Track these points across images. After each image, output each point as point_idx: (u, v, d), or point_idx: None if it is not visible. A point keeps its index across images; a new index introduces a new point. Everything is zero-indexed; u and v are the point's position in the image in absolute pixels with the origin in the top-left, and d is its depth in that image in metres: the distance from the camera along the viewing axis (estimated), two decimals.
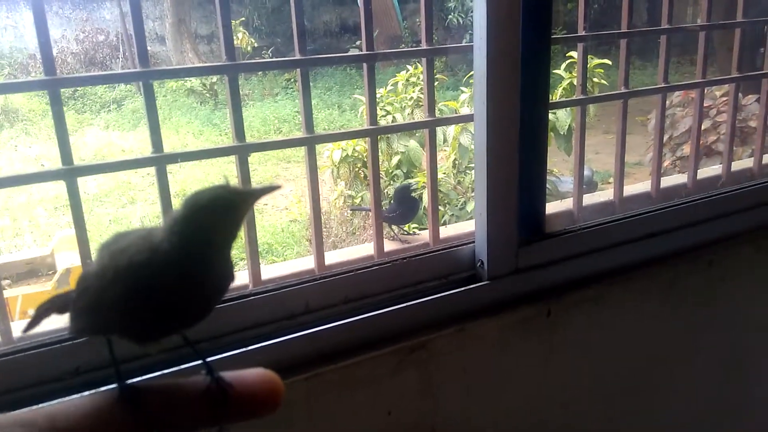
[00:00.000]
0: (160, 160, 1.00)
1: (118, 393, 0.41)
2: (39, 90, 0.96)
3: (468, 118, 1.16)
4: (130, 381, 0.45)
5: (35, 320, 0.55)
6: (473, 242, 1.16)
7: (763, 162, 1.70)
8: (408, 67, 4.55)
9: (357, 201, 4.35)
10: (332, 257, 1.26)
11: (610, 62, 3.68)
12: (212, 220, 0.42)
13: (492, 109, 1.07)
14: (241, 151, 1.07)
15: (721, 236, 1.36)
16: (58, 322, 0.99)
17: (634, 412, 1.35)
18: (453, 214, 4.06)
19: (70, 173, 0.95)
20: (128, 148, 7.07)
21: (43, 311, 0.54)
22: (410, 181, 3.92)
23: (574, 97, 1.37)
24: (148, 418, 0.40)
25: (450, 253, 1.16)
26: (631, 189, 1.54)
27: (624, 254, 1.26)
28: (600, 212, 1.44)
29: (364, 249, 1.35)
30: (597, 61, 3.73)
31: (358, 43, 8.68)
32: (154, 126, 1.00)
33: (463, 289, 1.11)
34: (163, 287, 0.42)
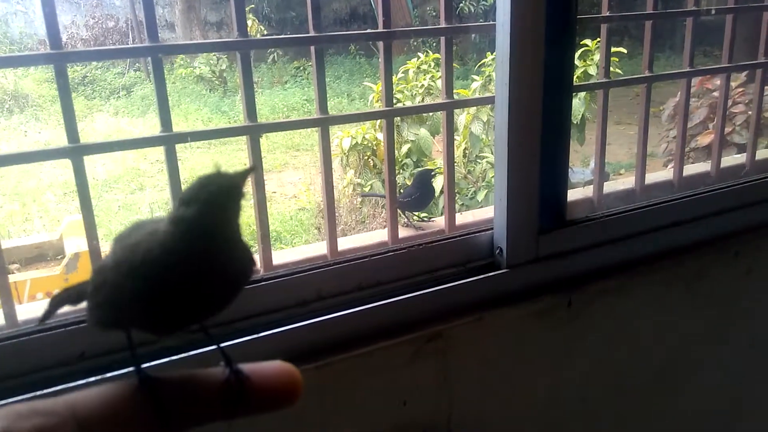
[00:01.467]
0: (170, 139, 0.97)
1: (137, 383, 0.41)
2: (44, 64, 0.92)
3: (488, 100, 1.11)
4: (146, 365, 0.45)
5: (50, 311, 0.54)
6: (491, 229, 1.12)
7: None
8: (419, 54, 4.49)
9: (366, 189, 4.31)
10: (345, 243, 1.22)
11: (625, 50, 3.62)
12: (225, 210, 0.41)
13: (514, 90, 1.02)
14: (253, 131, 1.03)
15: (749, 226, 1.31)
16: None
17: (654, 405, 1.31)
18: (463, 204, 4.02)
19: (76, 151, 0.92)
20: (137, 135, 7.05)
21: (58, 302, 0.54)
22: (429, 166, 3.86)
23: (595, 81, 1.32)
24: (167, 409, 0.40)
25: (467, 240, 1.12)
26: (652, 177, 1.49)
27: (647, 243, 1.21)
28: (620, 200, 1.39)
29: (378, 235, 1.31)
30: (613, 49, 3.67)
31: (367, 31, 8.59)
32: (163, 104, 0.96)
33: (481, 277, 1.08)
34: (180, 281, 0.41)
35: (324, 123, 1.09)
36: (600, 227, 1.17)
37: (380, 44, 1.10)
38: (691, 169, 1.56)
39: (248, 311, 0.97)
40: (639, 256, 1.21)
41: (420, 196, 1.83)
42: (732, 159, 1.68)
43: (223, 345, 0.96)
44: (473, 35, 8.28)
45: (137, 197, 5.60)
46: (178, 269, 0.41)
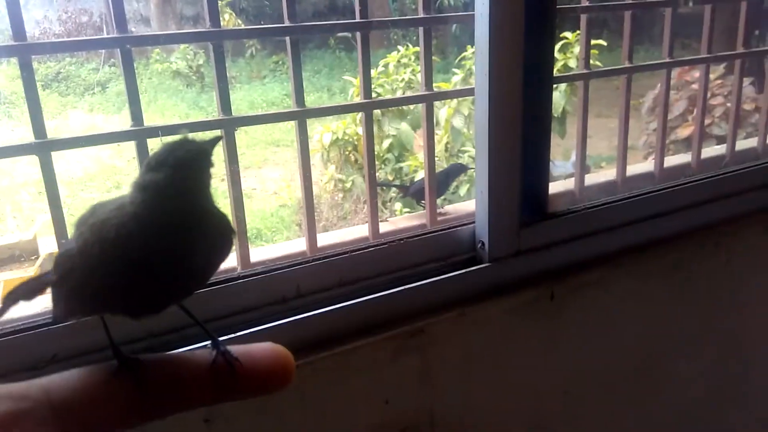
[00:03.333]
0: (140, 134, 0.94)
1: (118, 365, 0.38)
2: (7, 56, 0.89)
3: (469, 92, 1.10)
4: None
5: (3, 309, 0.51)
6: (473, 223, 1.11)
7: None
8: (399, 48, 4.46)
9: (348, 185, 4.28)
10: (325, 239, 1.20)
11: (605, 43, 3.62)
12: (192, 170, 0.39)
13: (495, 80, 1.00)
14: (228, 124, 1.01)
15: (728, 217, 1.31)
16: (32, 307, 0.94)
17: (635, 397, 1.31)
18: (445, 198, 4.01)
19: (43, 147, 0.89)
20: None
21: (10, 300, 0.50)
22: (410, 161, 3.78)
23: (576, 71, 1.31)
24: (150, 392, 0.38)
25: (449, 234, 1.10)
26: (633, 169, 1.49)
27: (629, 235, 1.21)
28: (602, 193, 1.38)
29: (358, 231, 1.29)
30: (593, 41, 3.66)
31: (344, 21, 8.52)
32: (134, 97, 0.93)
33: (463, 271, 1.06)
34: (159, 256, 0.38)
35: (300, 116, 1.07)
36: (581, 219, 1.16)
37: (357, 35, 1.08)
38: (671, 160, 1.56)
39: (224, 310, 0.95)
40: (620, 247, 1.20)
41: (441, 183, 1.71)
42: (713, 150, 1.69)
43: (198, 345, 0.95)
44: (453, 28, 8.26)
45: (114, 195, 5.51)
46: (157, 239, 0.38)
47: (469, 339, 1.06)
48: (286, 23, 1.01)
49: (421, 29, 1.13)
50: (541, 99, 1.07)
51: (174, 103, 7.95)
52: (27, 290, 0.50)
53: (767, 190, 1.36)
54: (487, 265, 1.07)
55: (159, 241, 0.38)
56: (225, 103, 1.00)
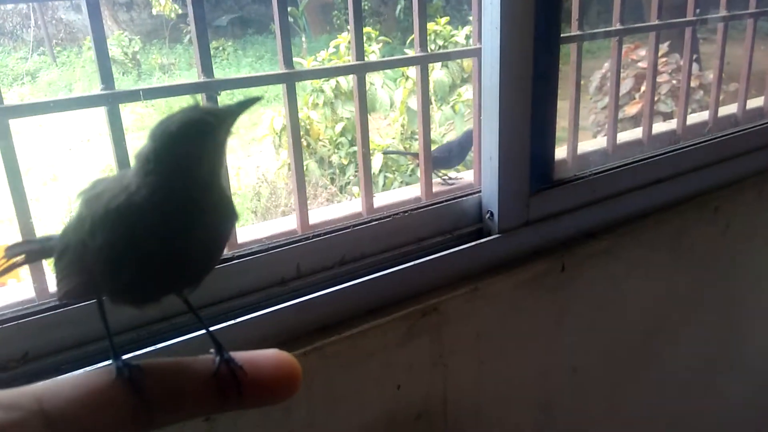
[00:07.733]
0: (116, 98, 0.82)
1: (116, 372, 0.35)
2: None
3: (474, 52, 1.02)
4: (127, 356, 0.38)
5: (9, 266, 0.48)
6: (479, 192, 1.04)
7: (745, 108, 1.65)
8: (348, 29, 4.36)
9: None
10: (314, 216, 1.10)
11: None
12: (190, 149, 0.35)
13: (506, 40, 0.93)
14: (209, 87, 0.89)
15: (725, 182, 1.29)
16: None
17: (639, 367, 1.27)
18: (403, 181, 3.94)
19: None
20: (46, 123, 6.57)
21: (12, 254, 0.48)
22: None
23: (570, 33, 1.25)
24: (151, 402, 0.35)
25: (454, 205, 1.03)
26: (621, 136, 1.45)
27: (634, 201, 1.16)
28: (596, 160, 1.34)
29: (348, 207, 1.20)
30: None
31: (289, 9, 8.34)
32: (102, 52, 0.82)
33: (474, 243, 0.99)
34: (147, 234, 0.35)
35: (289, 78, 0.97)
36: (588, 186, 1.11)
37: None
38: (657, 127, 1.53)
39: (218, 295, 0.85)
40: (627, 214, 1.15)
41: (460, 151, 1.58)
42: (691, 118, 1.67)
43: (192, 335, 0.84)
44: (398, 11, 8.20)
45: (51, 188, 5.21)
46: (146, 218, 0.35)
47: (481, 316, 0.99)
48: None
49: None
50: (549, 58, 1.00)
51: None
52: (29, 250, 0.47)
53: (759, 153, 1.34)
54: (497, 236, 1.01)
55: (148, 223, 0.35)
56: (206, 64, 0.89)
